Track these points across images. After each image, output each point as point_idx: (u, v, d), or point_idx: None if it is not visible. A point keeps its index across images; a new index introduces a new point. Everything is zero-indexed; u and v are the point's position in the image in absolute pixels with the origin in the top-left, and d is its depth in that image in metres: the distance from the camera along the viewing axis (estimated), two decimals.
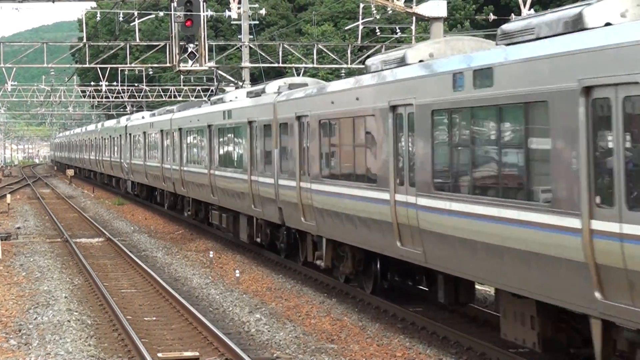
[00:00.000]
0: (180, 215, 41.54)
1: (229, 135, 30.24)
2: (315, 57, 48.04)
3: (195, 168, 35.24)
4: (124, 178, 57.22)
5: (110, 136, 62.66)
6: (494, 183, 13.94)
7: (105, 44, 55.23)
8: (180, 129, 38.53)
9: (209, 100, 39.37)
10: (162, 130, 43.19)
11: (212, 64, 43.85)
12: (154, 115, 50.20)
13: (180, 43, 30.49)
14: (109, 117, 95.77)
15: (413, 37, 53.64)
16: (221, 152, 31.41)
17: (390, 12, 50.29)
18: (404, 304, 19.57)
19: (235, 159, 29.41)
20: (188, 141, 37.13)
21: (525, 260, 12.97)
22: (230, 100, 32.06)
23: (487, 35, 68.17)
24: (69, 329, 18.88)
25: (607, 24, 12.00)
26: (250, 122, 27.35)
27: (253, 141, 27.08)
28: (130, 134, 53.24)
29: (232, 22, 59.23)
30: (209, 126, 32.85)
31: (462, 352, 16.16)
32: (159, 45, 46.14)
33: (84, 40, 48.84)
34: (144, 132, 48.33)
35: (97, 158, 71.10)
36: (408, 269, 19.19)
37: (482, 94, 13.98)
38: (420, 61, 17.29)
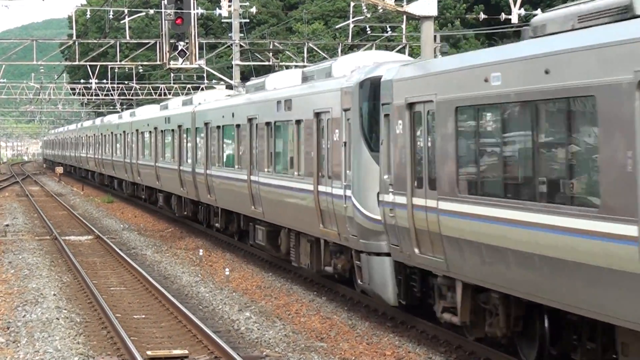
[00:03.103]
0: (169, 212, 41.52)
1: (168, 135, 39.31)
2: (305, 55, 48.01)
3: (145, 161, 44.34)
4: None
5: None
6: (295, 168, 22.37)
7: (95, 41, 55.05)
8: (137, 130, 47.35)
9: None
10: (124, 131, 51.55)
11: (202, 61, 43.78)
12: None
13: (171, 41, 30.49)
14: (99, 114, 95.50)
15: (404, 36, 53.63)
16: (163, 148, 40.59)
17: (381, 10, 50.33)
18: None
19: (171, 154, 38.51)
20: (144, 139, 45.71)
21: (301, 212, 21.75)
22: (174, 108, 40.16)
23: (478, 35, 68.30)
24: (58, 326, 18.83)
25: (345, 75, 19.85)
26: (179, 126, 36.43)
27: (182, 140, 36.21)
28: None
29: (223, 20, 59.09)
30: (155, 128, 41.82)
31: (452, 351, 16.17)
32: (149, 43, 46.08)
33: (74, 38, 48.71)
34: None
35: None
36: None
37: (288, 113, 22.77)
38: (275, 88, 25.13)
